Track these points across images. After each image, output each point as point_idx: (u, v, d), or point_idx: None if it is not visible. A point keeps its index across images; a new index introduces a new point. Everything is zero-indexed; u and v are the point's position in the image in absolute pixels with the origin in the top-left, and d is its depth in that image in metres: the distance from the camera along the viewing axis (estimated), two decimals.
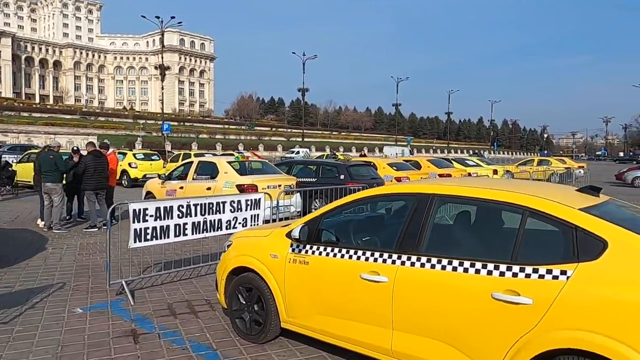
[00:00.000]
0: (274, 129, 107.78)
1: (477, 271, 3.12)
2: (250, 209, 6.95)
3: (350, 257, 3.75)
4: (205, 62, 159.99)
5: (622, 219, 3.23)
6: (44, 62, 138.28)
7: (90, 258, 7.72)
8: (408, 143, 68.30)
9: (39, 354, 4.16)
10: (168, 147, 53.98)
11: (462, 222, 3.90)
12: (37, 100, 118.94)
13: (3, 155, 18.10)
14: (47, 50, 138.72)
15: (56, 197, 9.69)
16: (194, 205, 6.28)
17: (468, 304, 3.12)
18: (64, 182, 10.19)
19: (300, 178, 12.01)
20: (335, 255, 3.85)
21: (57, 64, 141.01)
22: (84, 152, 11.07)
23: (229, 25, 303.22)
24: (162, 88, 57.68)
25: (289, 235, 4.16)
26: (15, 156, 21.10)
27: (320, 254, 3.95)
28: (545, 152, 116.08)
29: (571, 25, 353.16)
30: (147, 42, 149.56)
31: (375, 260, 3.61)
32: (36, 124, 64.75)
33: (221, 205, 6.59)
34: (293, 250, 4.13)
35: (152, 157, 21.49)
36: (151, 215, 5.84)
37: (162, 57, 57.21)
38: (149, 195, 11.53)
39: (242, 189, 9.51)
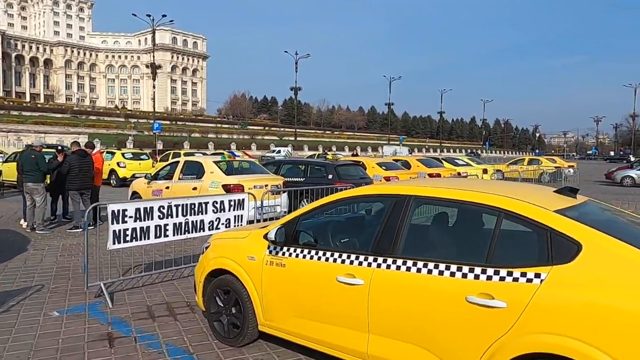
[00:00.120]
0: (266, 128, 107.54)
1: (452, 274, 3.07)
2: (234, 210, 6.87)
3: (327, 259, 3.69)
4: (198, 61, 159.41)
5: (599, 220, 3.20)
6: (35, 61, 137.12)
7: (72, 259, 7.60)
8: (400, 142, 68.34)
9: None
10: (160, 146, 53.82)
11: (439, 223, 3.86)
12: (28, 99, 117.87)
13: None
14: (37, 48, 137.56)
15: (38, 197, 9.55)
16: (175, 206, 6.20)
17: (443, 307, 3.07)
18: (46, 182, 10.05)
19: (288, 178, 11.95)
20: (312, 257, 3.79)
21: (48, 63, 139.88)
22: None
23: (222, 24, 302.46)
24: (154, 87, 57.31)
25: (266, 236, 4.09)
26: (1, 155, 20.85)
27: (297, 256, 3.89)
28: (537, 151, 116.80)
29: (563, 25, 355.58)
30: (139, 40, 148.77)
31: (352, 262, 3.55)
32: (26, 123, 64.17)
33: (203, 205, 6.51)
34: (270, 252, 4.07)
35: (141, 157, 21.33)
36: (130, 217, 5.74)
37: (154, 56, 56.88)
38: (135, 196, 11.41)
39: (228, 188, 9.43)
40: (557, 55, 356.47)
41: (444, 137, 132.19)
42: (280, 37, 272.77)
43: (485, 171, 19.80)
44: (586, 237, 2.78)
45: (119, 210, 5.63)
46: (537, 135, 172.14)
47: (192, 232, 6.43)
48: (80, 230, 9.91)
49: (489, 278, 2.93)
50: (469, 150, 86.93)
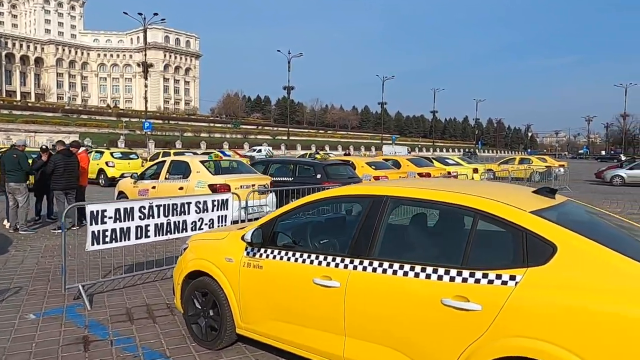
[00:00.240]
0: (259, 128, 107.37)
1: (428, 276, 3.02)
2: (218, 210, 6.79)
3: (304, 261, 3.63)
4: (191, 60, 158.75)
5: (576, 221, 3.16)
6: (25, 59, 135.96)
7: (54, 261, 7.48)
8: (393, 142, 68.43)
9: None
10: (152, 146, 53.51)
11: (416, 224, 3.80)
12: (18, 98, 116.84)
13: None
14: (28, 46, 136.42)
15: (20, 197, 9.42)
16: (156, 206, 6.11)
17: (418, 310, 3.02)
18: (29, 182, 9.91)
19: (277, 177, 11.87)
20: (288, 259, 3.73)
21: (38, 61, 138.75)
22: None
23: (215, 23, 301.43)
24: (146, 86, 56.88)
25: (244, 238, 4.02)
26: None
27: (274, 257, 3.82)
28: (529, 150, 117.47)
29: (555, 25, 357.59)
30: (131, 39, 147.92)
31: (328, 264, 3.49)
32: (16, 122, 63.56)
33: (186, 206, 6.42)
34: (248, 253, 4.00)
35: (130, 156, 21.17)
36: (110, 217, 5.65)
37: (146, 55, 56.46)
38: (121, 195, 11.30)
39: (214, 188, 9.33)
40: (549, 56, 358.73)
41: (437, 136, 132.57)
42: (275, 36, 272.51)
43: (475, 170, 19.81)
44: (561, 239, 2.73)
45: (97, 211, 5.54)
46: (530, 134, 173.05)
47: (174, 233, 6.35)
48: (66, 230, 9.77)
49: (465, 280, 2.88)
50: (466, 150, 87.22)
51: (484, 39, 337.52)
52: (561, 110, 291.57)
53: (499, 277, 2.78)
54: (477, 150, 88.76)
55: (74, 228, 7.24)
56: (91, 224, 5.49)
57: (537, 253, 2.75)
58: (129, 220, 5.84)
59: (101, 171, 19.65)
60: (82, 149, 11.66)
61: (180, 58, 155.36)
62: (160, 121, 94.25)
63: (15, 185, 9.40)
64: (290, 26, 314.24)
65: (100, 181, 19.62)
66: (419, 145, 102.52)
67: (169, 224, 6.27)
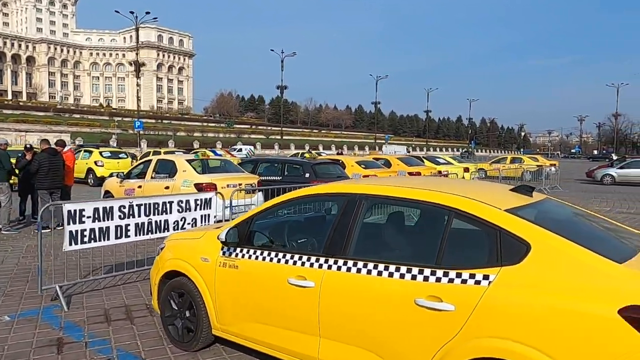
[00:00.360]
0: (253, 127, 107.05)
1: (402, 276, 2.96)
2: (201, 209, 6.71)
3: (279, 260, 3.56)
4: (184, 59, 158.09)
5: (553, 219, 3.12)
6: (17, 58, 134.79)
7: (34, 261, 7.33)
8: (386, 141, 68.49)
9: None
10: (144, 145, 53.21)
11: (392, 223, 3.74)
12: (10, 97, 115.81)
13: None
14: (19, 45, 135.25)
15: (2, 196, 9.28)
16: (137, 205, 6.02)
17: (392, 310, 2.96)
18: (12, 181, 9.76)
19: (265, 176, 11.80)
20: (264, 258, 3.66)
21: (30, 60, 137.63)
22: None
23: (209, 22, 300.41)
24: (138, 85, 56.71)
25: (219, 237, 3.94)
26: None
27: (249, 257, 3.75)
28: (523, 150, 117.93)
29: (549, 26, 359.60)
30: (124, 37, 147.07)
31: (303, 264, 3.42)
32: (7, 121, 62.95)
33: (168, 205, 6.33)
34: (224, 253, 3.92)
35: (120, 155, 21.00)
36: (88, 217, 5.56)
37: (138, 54, 56.14)
38: (108, 195, 11.18)
39: (200, 187, 9.23)
40: (542, 56, 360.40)
41: (431, 136, 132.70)
42: (270, 35, 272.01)
43: (466, 170, 19.81)
44: (535, 237, 2.68)
45: (75, 211, 5.45)
46: (523, 134, 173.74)
47: (156, 233, 6.26)
48: (49, 230, 9.64)
49: (438, 280, 2.83)
50: (463, 150, 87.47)
51: (478, 39, 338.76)
52: (554, 110, 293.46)
53: (472, 276, 2.73)
54: (474, 150, 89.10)
55: (60, 228, 7.12)
56: (68, 224, 5.40)
57: (511, 252, 2.70)
58: (108, 219, 5.74)
59: (90, 170, 19.48)
60: (67, 147, 11.49)
61: (174, 57, 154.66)
62: (153, 120, 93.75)
63: None
64: (285, 26, 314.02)
65: (89, 181, 19.45)
66: (413, 145, 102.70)
67: (150, 223, 6.18)
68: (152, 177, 10.29)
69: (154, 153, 22.11)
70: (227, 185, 9.32)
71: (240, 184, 9.72)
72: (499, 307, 2.58)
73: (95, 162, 19.64)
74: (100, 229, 5.67)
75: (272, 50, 62.41)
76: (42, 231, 9.95)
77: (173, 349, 4.27)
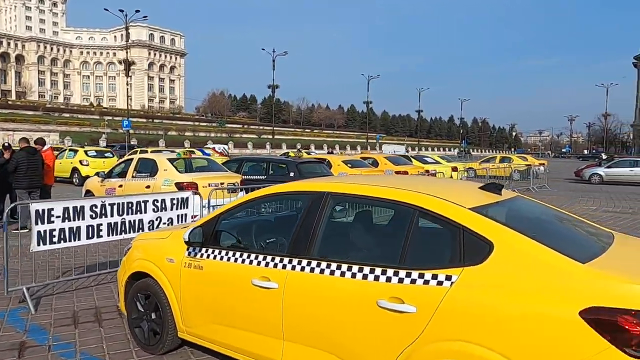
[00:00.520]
0: (245, 126, 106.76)
1: (365, 276, 2.87)
2: (177, 209, 6.58)
3: (243, 261, 3.46)
4: (176, 58, 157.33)
5: (520, 218, 3.05)
6: (6, 56, 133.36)
7: (10, 262, 7.17)
8: (377, 141, 68.54)
9: None
10: (134, 144, 52.81)
11: (358, 222, 3.65)
12: None
13: None
14: (8, 43, 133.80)
15: None
16: (109, 204, 5.88)
17: (354, 312, 2.87)
18: None
19: (250, 176, 11.68)
20: (228, 259, 3.55)
21: (19, 58, 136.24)
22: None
23: (202, 21, 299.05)
24: (127, 84, 56.25)
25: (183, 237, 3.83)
26: None
27: (214, 257, 3.64)
28: (516, 149, 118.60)
29: (541, 27, 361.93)
30: (115, 36, 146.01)
31: (267, 264, 3.32)
32: None
33: (142, 204, 6.20)
34: (189, 253, 3.81)
35: (105, 155, 20.77)
36: (58, 216, 5.41)
37: (127, 52, 55.67)
38: (89, 194, 11.00)
39: (181, 187, 9.09)
40: (534, 57, 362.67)
41: (423, 135, 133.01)
42: (263, 34, 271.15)
43: (454, 169, 19.79)
44: (498, 236, 2.60)
45: (44, 210, 5.30)
46: (514, 134, 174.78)
47: (130, 232, 6.11)
48: (27, 230, 9.45)
49: (401, 281, 2.74)
50: (460, 150, 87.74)
51: (470, 40, 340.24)
52: (545, 110, 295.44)
53: (435, 277, 2.64)
54: (470, 150, 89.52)
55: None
56: (36, 224, 5.25)
57: (474, 251, 2.62)
58: (79, 219, 5.60)
59: (75, 170, 19.24)
60: (47, 146, 11.29)
61: (165, 56, 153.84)
62: (144, 120, 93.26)
63: None
64: (279, 25, 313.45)
65: (74, 180, 19.20)
66: (404, 144, 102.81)
67: (123, 223, 6.04)
68: (133, 177, 10.14)
69: (141, 152, 21.87)
70: (209, 185, 9.20)
71: (222, 183, 9.60)
72: (460, 309, 2.50)
73: (81, 162, 19.40)
74: (71, 228, 5.53)
75: (264, 49, 62.27)
76: (21, 231, 9.79)
77: (139, 353, 4.15)
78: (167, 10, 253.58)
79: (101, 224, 5.81)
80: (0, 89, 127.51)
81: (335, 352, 2.96)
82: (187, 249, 3.82)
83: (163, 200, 6.42)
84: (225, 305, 3.56)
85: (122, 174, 10.42)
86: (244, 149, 65.90)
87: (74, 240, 5.59)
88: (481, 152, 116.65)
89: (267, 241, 3.87)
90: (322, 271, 3.05)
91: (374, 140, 74.08)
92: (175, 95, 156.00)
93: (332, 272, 3.00)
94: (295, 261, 3.19)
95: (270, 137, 75.85)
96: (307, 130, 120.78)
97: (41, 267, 6.34)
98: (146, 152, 20.98)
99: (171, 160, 10.15)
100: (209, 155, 25.13)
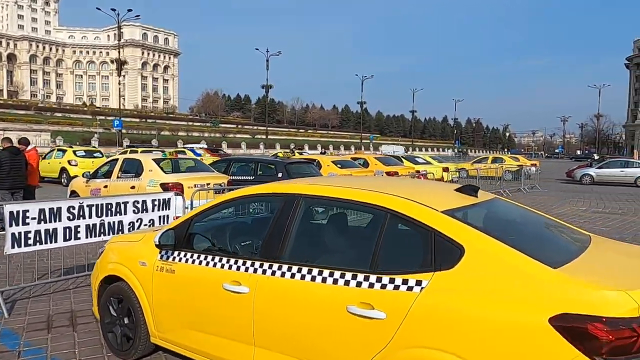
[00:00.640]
0: (239, 127, 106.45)
1: (335, 281, 2.79)
2: (159, 210, 6.47)
3: (215, 264, 3.37)
4: (169, 58, 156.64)
5: (495, 221, 2.98)
6: None
7: None
8: (370, 141, 68.54)
9: None
10: (127, 144, 52.48)
11: (332, 226, 3.57)
12: None
13: None
14: (0, 42, 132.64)
15: None
16: (87, 206, 5.76)
17: (325, 318, 2.79)
18: None
19: (238, 176, 11.57)
20: (200, 262, 3.46)
21: (11, 57, 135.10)
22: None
23: (196, 21, 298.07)
24: (120, 83, 55.93)
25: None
26: None
27: (186, 261, 3.55)
28: (511, 150, 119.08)
29: (533, 27, 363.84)
30: (108, 35, 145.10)
31: (238, 268, 3.24)
32: None
33: (122, 205, 6.09)
34: (161, 257, 3.71)
35: (94, 155, 20.58)
36: (33, 218, 5.30)
37: (119, 52, 55.39)
38: (74, 195, 10.86)
39: (166, 187, 8.97)
40: (527, 57, 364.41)
41: (417, 136, 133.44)
42: (258, 34, 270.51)
43: (446, 169, 19.76)
44: (469, 240, 2.53)
45: (18, 212, 5.19)
46: (507, 134, 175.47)
47: (109, 234, 5.99)
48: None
49: (371, 286, 2.66)
50: (457, 150, 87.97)
51: (466, 41, 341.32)
52: (538, 110, 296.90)
53: (405, 282, 2.57)
54: (468, 151, 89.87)
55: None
56: (10, 225, 5.14)
57: (445, 256, 2.54)
58: (55, 221, 5.48)
59: (63, 170, 19.05)
60: (31, 146, 11.13)
61: (159, 56, 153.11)
62: (137, 119, 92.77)
63: None
64: (273, 25, 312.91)
65: (62, 180, 19.00)
66: (400, 145, 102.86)
67: (102, 224, 5.92)
68: (118, 177, 10.02)
69: (131, 152, 21.70)
70: (195, 185, 9.08)
71: (208, 184, 9.49)
72: (429, 315, 2.43)
73: (69, 162, 19.21)
74: (47, 230, 5.41)
75: (257, 49, 62.20)
76: (1, 233, 9.61)
77: (112, 358, 4.05)
78: (160, 9, 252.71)
79: (79, 226, 5.70)
80: None
81: (306, 359, 2.89)
82: (160, 252, 3.73)
83: (144, 202, 6.31)
84: (196, 310, 3.47)
85: (108, 175, 10.30)
86: (238, 149, 65.57)
87: (50, 242, 5.48)
88: (477, 152, 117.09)
89: (243, 244, 3.79)
90: (293, 275, 2.97)
91: (368, 141, 74.02)
92: (168, 95, 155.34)
93: (302, 277, 2.92)
94: (266, 265, 3.11)
95: (264, 137, 75.66)
96: (301, 130, 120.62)
97: (18, 269, 6.21)
98: (135, 151, 20.81)
99: (157, 161, 10.03)
100: (199, 155, 25.03)
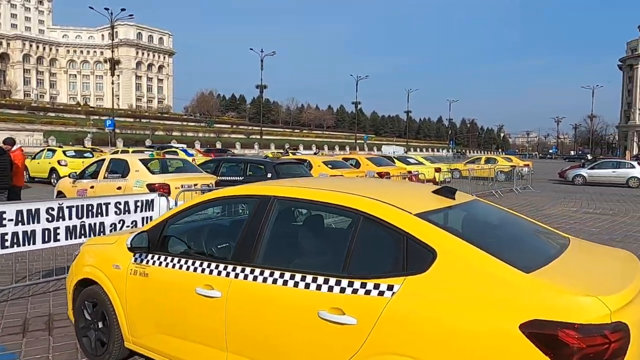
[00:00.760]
0: (234, 127, 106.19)
1: (307, 286, 2.72)
2: (142, 211, 6.39)
3: (188, 268, 3.29)
4: (164, 57, 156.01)
5: (471, 223, 2.92)
6: None
7: None
8: (365, 141, 68.54)
9: None
10: (120, 144, 52.26)
11: (306, 228, 3.50)
12: None
13: None
14: None
15: None
16: (67, 207, 5.67)
17: (296, 324, 2.72)
18: None
19: (227, 177, 11.48)
20: (174, 265, 3.38)
21: (4, 57, 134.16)
22: None
23: (191, 21, 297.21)
24: (113, 83, 55.63)
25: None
26: None
27: (160, 264, 3.47)
28: (504, 151, 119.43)
29: (528, 28, 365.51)
30: (102, 35, 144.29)
31: (211, 272, 3.16)
32: None
33: (103, 207, 6.00)
34: (135, 260, 3.63)
35: (85, 155, 20.41)
36: (10, 220, 5.20)
37: (112, 51, 55.08)
38: (60, 195, 10.72)
39: (153, 188, 8.87)
40: (521, 58, 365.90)
41: (412, 136, 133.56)
42: (253, 34, 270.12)
43: (438, 170, 19.72)
44: (441, 244, 2.46)
45: None
46: (502, 135, 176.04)
47: (90, 236, 5.90)
48: None
49: (343, 290, 2.59)
50: (456, 150, 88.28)
51: (461, 41, 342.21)
52: (532, 111, 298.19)
53: (376, 287, 2.50)
54: (467, 151, 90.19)
55: None
56: None
57: (417, 260, 2.48)
58: (34, 222, 5.39)
59: (53, 170, 18.87)
60: (16, 146, 10.99)
61: (154, 55, 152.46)
62: (132, 119, 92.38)
63: None
64: (269, 25, 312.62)
65: (52, 181, 18.81)
66: (394, 145, 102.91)
67: (83, 226, 5.83)
68: (104, 177, 9.90)
69: (122, 152, 21.54)
70: (182, 186, 8.99)
71: (195, 185, 9.40)
72: (400, 320, 2.36)
73: (59, 162, 19.03)
74: (25, 232, 5.32)
75: (252, 49, 62.02)
76: None
77: None
78: (155, 9, 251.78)
79: (58, 228, 5.61)
80: None
81: None
82: (134, 255, 3.64)
83: (126, 203, 6.22)
84: (169, 315, 3.39)
85: (94, 175, 10.18)
86: (232, 149, 65.41)
87: (29, 244, 5.38)
88: (474, 152, 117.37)
89: (219, 246, 3.71)
90: (265, 279, 2.90)
91: (362, 141, 74.01)
92: (163, 95, 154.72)
93: (275, 281, 2.85)
94: (239, 269, 3.04)
95: (259, 137, 75.48)
96: (296, 130, 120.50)
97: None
98: (126, 151, 20.65)
99: (144, 161, 9.93)
100: (192, 155, 24.90)
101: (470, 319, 2.19)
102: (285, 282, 2.80)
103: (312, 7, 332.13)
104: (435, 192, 3.12)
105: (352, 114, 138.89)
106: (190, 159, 18.45)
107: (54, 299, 5.59)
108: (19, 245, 5.30)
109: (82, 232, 5.84)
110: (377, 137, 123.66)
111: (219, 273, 3.11)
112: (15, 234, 5.24)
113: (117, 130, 57.35)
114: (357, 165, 16.43)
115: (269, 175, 11.20)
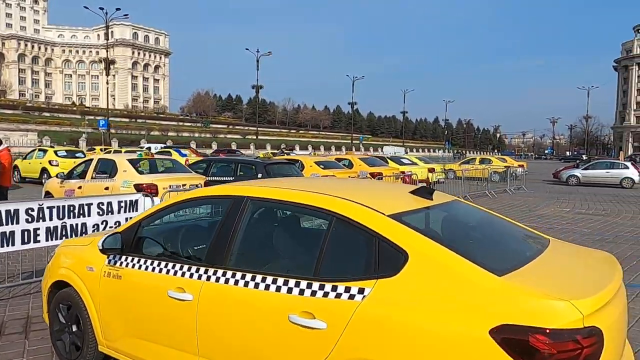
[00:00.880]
0: (230, 127, 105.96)
1: (279, 289, 2.65)
2: (125, 212, 6.29)
3: (160, 270, 3.22)
4: (160, 57, 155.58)
5: (449, 225, 2.85)
6: None
7: None
8: (360, 142, 68.50)
9: None
10: (115, 144, 52.03)
11: (280, 230, 3.43)
12: None
13: None
14: None
15: None
16: (48, 208, 5.58)
17: (267, 328, 2.65)
18: None
19: (218, 177, 11.38)
20: (147, 268, 3.30)
21: None
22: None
23: (187, 21, 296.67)
24: (108, 82, 55.40)
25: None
26: None
27: (133, 266, 3.39)
28: (501, 151, 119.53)
29: (524, 28, 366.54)
30: (98, 35, 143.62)
31: (183, 274, 3.09)
32: None
33: (85, 207, 5.91)
34: (109, 262, 3.55)
35: (76, 155, 20.26)
36: None
37: (107, 51, 54.88)
38: (48, 196, 10.61)
39: (140, 188, 8.78)
40: (517, 58, 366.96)
41: (408, 136, 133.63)
42: (250, 34, 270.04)
43: (431, 170, 19.68)
44: (413, 246, 2.40)
45: None
46: (498, 135, 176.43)
47: (71, 237, 5.81)
48: None
49: (313, 294, 2.52)
50: (456, 151, 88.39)
51: (458, 42, 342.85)
52: (528, 111, 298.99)
53: (347, 290, 2.43)
54: (467, 152, 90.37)
55: None
56: None
57: (388, 262, 2.41)
58: (12, 223, 5.30)
59: (44, 170, 18.73)
60: (3, 146, 10.88)
61: (150, 55, 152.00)
62: (127, 119, 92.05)
63: None
64: (266, 25, 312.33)
65: (43, 181, 18.64)
66: (390, 146, 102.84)
67: (64, 227, 5.74)
68: (92, 177, 9.80)
69: (114, 152, 21.41)
70: (170, 186, 8.88)
71: (184, 185, 9.30)
72: (370, 325, 2.29)
73: (50, 162, 18.89)
74: (3, 233, 5.22)
75: (247, 49, 61.82)
76: None
77: None
78: (151, 9, 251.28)
79: (38, 229, 5.51)
80: None
81: None
82: (108, 257, 3.56)
83: (109, 203, 6.13)
84: (142, 318, 3.32)
85: (82, 175, 10.07)
86: (247, 149, 65.22)
87: (7, 245, 5.29)
88: (471, 153, 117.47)
89: (195, 248, 3.64)
90: (236, 282, 2.82)
91: (358, 141, 73.97)
92: (159, 95, 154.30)
93: (246, 284, 2.78)
94: (211, 271, 2.96)
95: (255, 137, 75.33)
96: (292, 130, 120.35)
97: None
98: (119, 151, 20.52)
99: (132, 161, 9.82)
100: (185, 155, 24.77)
101: (439, 324, 2.12)
102: (256, 285, 2.73)
103: (309, 7, 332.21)
104: (413, 192, 3.06)
105: (349, 115, 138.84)
106: (183, 159, 18.36)
107: (34, 301, 5.49)
108: None
109: (64, 233, 5.75)
110: (373, 138, 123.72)
111: (191, 275, 3.04)
112: None
113: (113, 131, 57.17)
114: (350, 165, 16.37)
115: (260, 175, 11.12)
